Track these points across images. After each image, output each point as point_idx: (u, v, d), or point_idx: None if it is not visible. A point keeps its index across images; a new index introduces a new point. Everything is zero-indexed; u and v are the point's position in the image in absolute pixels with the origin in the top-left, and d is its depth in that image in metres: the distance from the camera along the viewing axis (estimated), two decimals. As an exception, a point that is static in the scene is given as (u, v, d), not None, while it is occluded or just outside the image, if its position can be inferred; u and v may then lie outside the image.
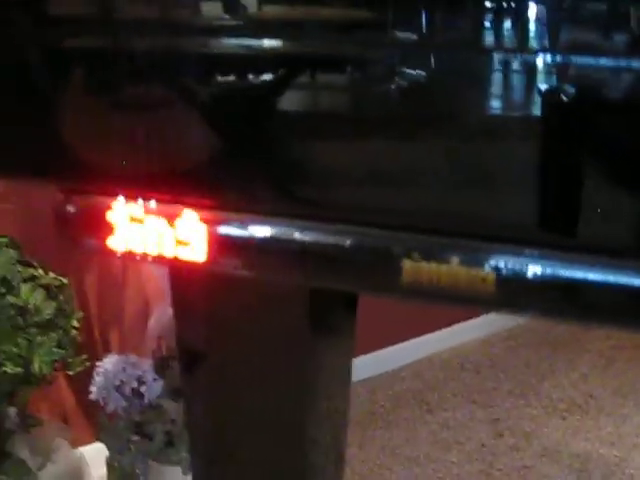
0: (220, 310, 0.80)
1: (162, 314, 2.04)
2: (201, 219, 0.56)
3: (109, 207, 0.56)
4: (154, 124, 0.60)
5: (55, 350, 1.75)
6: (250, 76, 0.59)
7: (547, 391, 2.76)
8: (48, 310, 1.74)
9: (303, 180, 0.56)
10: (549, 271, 0.48)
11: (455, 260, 0.49)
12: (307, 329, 0.77)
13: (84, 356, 1.88)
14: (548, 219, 0.48)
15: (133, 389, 1.87)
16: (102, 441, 1.91)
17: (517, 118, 0.54)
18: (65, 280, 1.83)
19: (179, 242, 0.57)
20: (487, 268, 0.48)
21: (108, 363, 1.89)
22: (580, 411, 2.64)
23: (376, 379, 2.78)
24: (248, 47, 0.60)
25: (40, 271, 1.79)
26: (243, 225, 0.54)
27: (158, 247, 0.58)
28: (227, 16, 0.61)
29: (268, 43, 0.60)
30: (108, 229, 0.56)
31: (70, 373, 1.84)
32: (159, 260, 0.58)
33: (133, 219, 0.56)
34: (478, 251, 0.49)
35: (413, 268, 0.49)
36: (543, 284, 0.47)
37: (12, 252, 1.73)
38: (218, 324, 0.83)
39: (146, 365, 1.91)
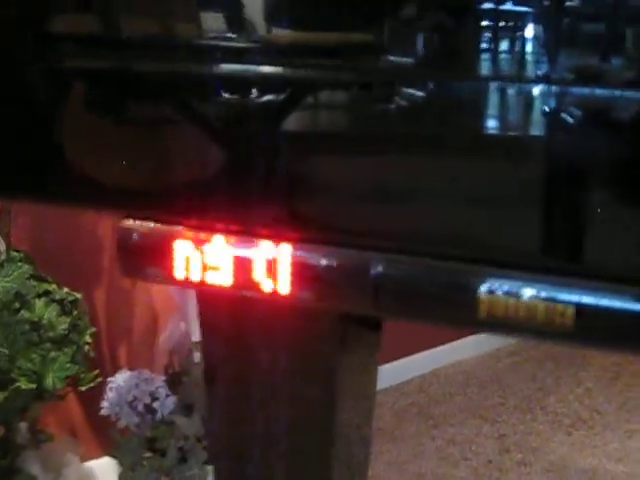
0: (248, 326, 0.79)
1: (174, 330, 2.03)
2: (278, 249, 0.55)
3: (176, 236, 0.56)
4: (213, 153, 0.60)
5: (69, 365, 1.74)
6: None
7: (553, 406, 2.76)
8: (62, 325, 1.74)
9: (374, 212, 0.56)
10: (629, 306, 0.48)
11: (532, 294, 0.49)
12: (336, 346, 0.77)
13: (96, 372, 1.88)
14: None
15: (146, 405, 1.86)
16: (115, 457, 1.90)
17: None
18: (79, 295, 1.82)
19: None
20: (566, 302, 0.48)
21: (120, 379, 1.89)
22: (586, 426, 2.64)
23: (381, 394, 2.76)
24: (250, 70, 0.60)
25: (54, 286, 1.79)
26: (319, 255, 0.54)
27: (219, 275, 0.57)
28: (225, 38, 0.61)
29: (269, 66, 0.60)
30: (173, 258, 0.56)
31: (82, 389, 1.83)
32: (222, 288, 0.58)
33: (197, 247, 0.56)
34: (557, 285, 0.49)
35: (490, 302, 0.49)
36: (622, 318, 0.47)
37: (26, 267, 1.72)
38: (246, 341, 0.82)
39: (158, 381, 1.90)
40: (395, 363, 2.83)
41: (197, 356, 1.99)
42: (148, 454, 1.87)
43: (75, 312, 1.79)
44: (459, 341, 3.07)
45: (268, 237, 0.56)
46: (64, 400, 1.91)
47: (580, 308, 0.48)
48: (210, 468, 1.87)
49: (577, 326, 0.48)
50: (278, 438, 0.90)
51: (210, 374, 0.87)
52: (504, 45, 0.53)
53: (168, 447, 1.85)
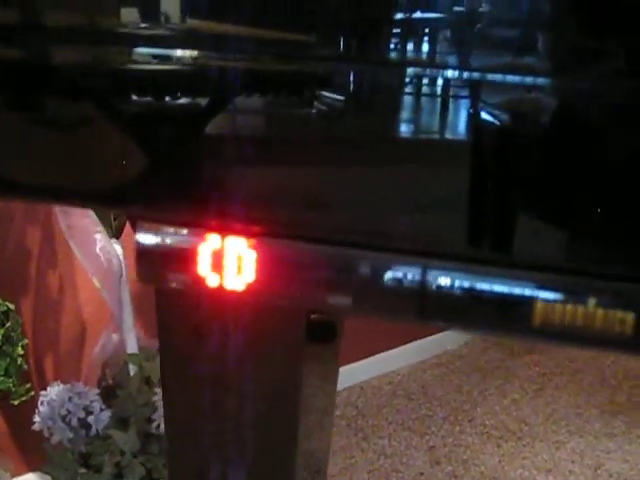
0: (211, 325, 0.77)
1: (107, 341, 1.98)
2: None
3: (200, 240, 0.53)
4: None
5: (2, 379, 1.68)
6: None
7: (481, 418, 2.77)
8: (-5, 337, 1.68)
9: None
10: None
11: (591, 301, 0.47)
12: (301, 347, 0.76)
13: (28, 385, 1.81)
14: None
15: (80, 419, 1.80)
16: (47, 473, 1.83)
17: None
18: (12, 306, 1.76)
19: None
20: (626, 309, 0.47)
21: (53, 392, 1.82)
22: (514, 437, 2.66)
23: (309, 407, 2.76)
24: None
25: (-15, 296, 1.72)
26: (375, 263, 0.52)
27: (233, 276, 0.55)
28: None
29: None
30: (196, 262, 0.53)
31: (15, 403, 1.76)
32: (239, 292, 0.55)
33: (216, 251, 0.53)
34: (616, 291, 0.47)
35: (545, 309, 0.48)
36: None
37: (-43, 276, 1.66)
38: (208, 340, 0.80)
39: (92, 394, 1.84)
40: (323, 375, 2.80)
41: (132, 369, 1.94)
42: (83, 470, 1.81)
43: (8, 323, 1.73)
44: (385, 353, 3.08)
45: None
46: (-5, 415, 1.84)
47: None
48: (147, 484, 1.82)
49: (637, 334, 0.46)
50: (241, 437, 0.88)
51: (169, 376, 0.84)
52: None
53: (103, 463, 1.80)
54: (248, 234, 0.53)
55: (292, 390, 0.81)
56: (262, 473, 0.89)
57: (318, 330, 0.79)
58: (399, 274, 0.51)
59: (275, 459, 0.88)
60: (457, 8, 0.51)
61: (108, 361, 1.97)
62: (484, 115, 0.51)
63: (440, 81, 0.52)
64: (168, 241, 0.54)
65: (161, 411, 1.71)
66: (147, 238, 0.54)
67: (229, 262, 0.53)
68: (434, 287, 0.50)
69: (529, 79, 0.50)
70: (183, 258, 0.54)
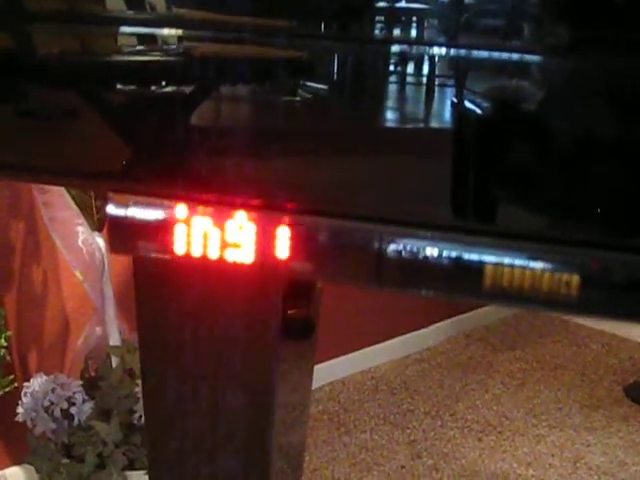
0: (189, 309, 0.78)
1: (90, 334, 1.99)
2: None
3: (169, 211, 0.55)
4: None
5: (-15, 370, 1.69)
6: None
7: (462, 412, 2.80)
8: (-22, 329, 1.69)
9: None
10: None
11: (538, 264, 0.50)
12: (276, 337, 0.77)
13: (11, 377, 1.83)
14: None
15: (62, 410, 1.82)
16: (31, 464, 1.85)
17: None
18: (-5, 298, 1.78)
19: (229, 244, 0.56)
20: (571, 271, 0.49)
21: (36, 384, 1.84)
22: (495, 432, 2.68)
23: (291, 401, 2.77)
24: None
25: (-32, 288, 1.74)
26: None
27: (205, 248, 0.57)
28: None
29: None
30: (166, 232, 0.55)
31: (-3, 394, 1.78)
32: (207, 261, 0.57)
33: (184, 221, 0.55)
34: (562, 255, 0.50)
35: (494, 273, 0.50)
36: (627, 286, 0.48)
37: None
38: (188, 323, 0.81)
39: (75, 386, 1.86)
40: (305, 370, 2.82)
41: (115, 361, 1.96)
42: (65, 460, 1.82)
43: (-9, 315, 1.74)
44: (368, 348, 3.10)
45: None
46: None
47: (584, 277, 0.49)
48: (129, 474, 1.84)
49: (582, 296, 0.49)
50: (218, 429, 0.90)
51: (147, 360, 0.86)
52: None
53: (86, 453, 1.81)
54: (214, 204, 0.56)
55: (267, 383, 0.82)
56: (239, 465, 0.90)
57: (295, 326, 0.81)
58: (358, 241, 0.53)
59: (251, 451, 0.89)
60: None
61: (91, 353, 1.99)
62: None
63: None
64: (136, 212, 0.56)
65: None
66: (117, 210, 0.56)
67: (194, 231, 0.55)
68: (391, 253, 0.52)
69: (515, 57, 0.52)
70: (151, 228, 0.56)
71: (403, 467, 2.48)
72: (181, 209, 0.55)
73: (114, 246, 0.57)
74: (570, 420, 2.76)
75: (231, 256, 0.57)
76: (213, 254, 0.57)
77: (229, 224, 0.57)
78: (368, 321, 3.04)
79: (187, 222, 0.56)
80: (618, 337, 3.39)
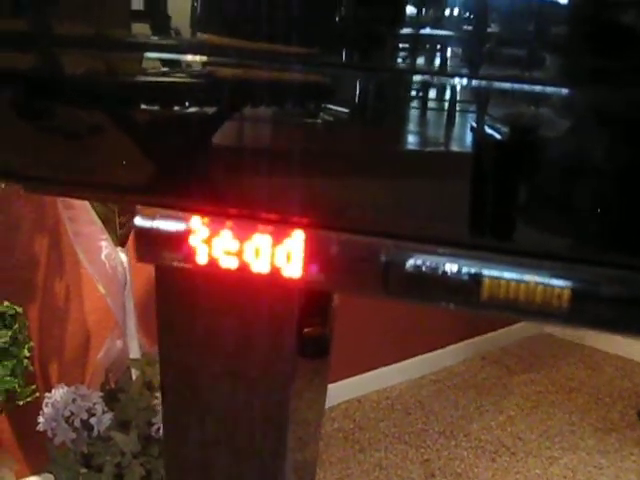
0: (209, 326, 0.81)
1: (111, 347, 2.04)
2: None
3: (192, 224, 0.59)
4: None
5: (8, 379, 1.74)
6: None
7: (476, 433, 2.82)
8: (3, 339, 1.73)
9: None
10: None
11: (532, 278, 0.53)
12: (293, 354, 0.80)
13: (33, 386, 1.87)
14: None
15: (82, 421, 1.86)
16: (51, 472, 1.89)
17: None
18: (19, 309, 1.82)
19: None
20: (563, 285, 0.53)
21: (57, 394, 1.88)
22: (509, 453, 2.70)
23: (307, 419, 2.80)
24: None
25: (-6, 299, 1.79)
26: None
27: (221, 259, 0.60)
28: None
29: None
30: (188, 243, 0.59)
31: (19, 403, 1.82)
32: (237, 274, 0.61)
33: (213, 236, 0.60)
34: (554, 269, 0.53)
35: (491, 285, 0.54)
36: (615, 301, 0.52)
37: (-33, 279, 1.72)
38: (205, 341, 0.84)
39: (95, 397, 1.90)
40: (322, 389, 2.85)
41: (134, 373, 2.00)
42: (84, 470, 1.86)
43: (15, 326, 1.79)
44: (384, 368, 3.12)
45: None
46: (1, 414, 1.89)
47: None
48: (146, 485, 1.88)
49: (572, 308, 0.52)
50: (233, 447, 0.92)
51: (167, 372, 0.88)
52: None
53: (104, 463, 1.85)
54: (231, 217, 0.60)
55: (282, 402, 0.85)
56: (254, 479, 0.93)
57: (310, 345, 0.84)
58: (367, 255, 0.57)
59: (266, 466, 0.91)
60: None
61: (111, 366, 2.03)
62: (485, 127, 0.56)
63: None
64: (162, 224, 0.60)
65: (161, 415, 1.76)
66: (144, 222, 0.61)
67: (216, 242, 0.59)
68: (398, 266, 0.56)
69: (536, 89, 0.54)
70: (175, 238, 0.60)
71: (416, 486, 2.51)
72: (199, 221, 0.59)
73: (140, 255, 0.61)
74: (583, 443, 2.78)
75: (248, 266, 0.61)
76: (231, 264, 0.61)
77: (248, 237, 0.60)
78: (385, 341, 3.08)
79: (207, 234, 0.60)
80: (633, 361, 3.41)
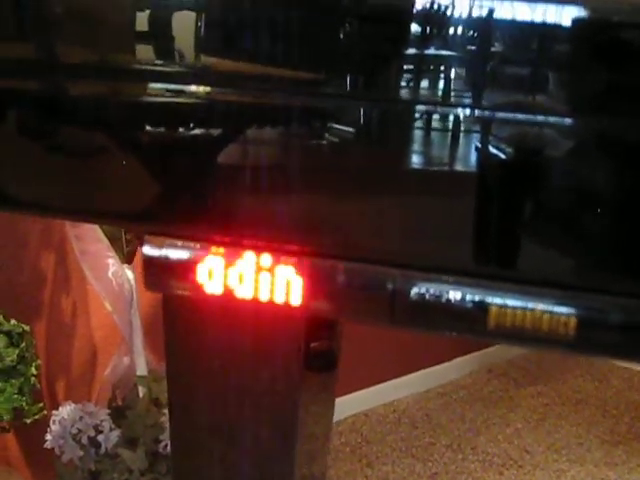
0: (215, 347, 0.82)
1: (117, 364, 2.04)
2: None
3: (203, 254, 0.60)
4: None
5: (16, 397, 1.74)
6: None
7: (483, 446, 2.82)
8: (10, 357, 1.74)
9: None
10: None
11: (539, 307, 0.54)
12: (300, 370, 0.80)
13: (41, 404, 1.88)
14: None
15: (90, 438, 1.86)
16: (58, 490, 1.89)
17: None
18: (27, 327, 1.83)
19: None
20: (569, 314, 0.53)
21: (64, 412, 1.88)
22: (516, 466, 2.70)
23: (314, 433, 2.80)
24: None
25: (1, 317, 1.79)
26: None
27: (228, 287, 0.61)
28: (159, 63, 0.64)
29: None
30: (198, 274, 0.60)
31: (27, 421, 1.83)
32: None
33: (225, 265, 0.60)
34: (560, 298, 0.54)
35: (498, 314, 0.54)
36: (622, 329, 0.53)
37: (-26, 298, 1.73)
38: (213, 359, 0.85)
39: (103, 414, 1.90)
40: (328, 403, 2.85)
41: (141, 390, 2.00)
42: (92, 487, 1.87)
43: (23, 344, 1.79)
44: (390, 382, 3.13)
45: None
46: (8, 432, 1.90)
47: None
48: (154, 502, 1.88)
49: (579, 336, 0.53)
50: (241, 460, 0.93)
51: (175, 392, 0.89)
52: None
53: (112, 480, 1.86)
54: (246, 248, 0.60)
55: (290, 417, 0.85)
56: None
57: (318, 359, 0.84)
58: (374, 283, 0.57)
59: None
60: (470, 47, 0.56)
61: (118, 383, 2.03)
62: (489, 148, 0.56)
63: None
64: (170, 253, 0.61)
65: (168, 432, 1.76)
66: (152, 251, 0.61)
67: (227, 272, 0.60)
68: (404, 295, 0.56)
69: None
70: (183, 268, 0.61)
71: (424, 500, 2.51)
72: (205, 250, 0.60)
73: (148, 284, 0.62)
74: (590, 455, 2.78)
75: (255, 296, 0.62)
76: (238, 293, 0.62)
77: (250, 265, 0.61)
78: (391, 355, 3.08)
79: (217, 263, 0.60)
80: (640, 373, 3.41)
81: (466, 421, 2.98)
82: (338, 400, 2.96)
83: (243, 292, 0.60)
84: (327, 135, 0.60)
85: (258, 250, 0.61)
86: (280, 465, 0.89)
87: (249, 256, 0.61)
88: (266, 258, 0.60)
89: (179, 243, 0.61)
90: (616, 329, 0.54)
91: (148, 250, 0.61)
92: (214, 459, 0.91)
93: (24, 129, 0.70)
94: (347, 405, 2.96)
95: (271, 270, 0.61)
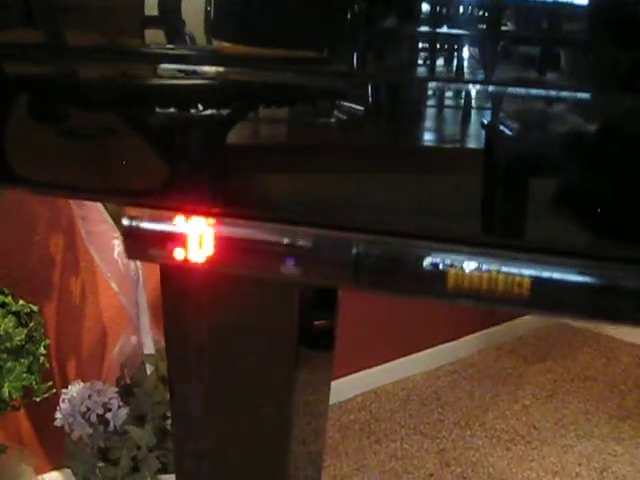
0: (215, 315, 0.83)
1: (125, 343, 2.07)
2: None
3: (173, 222, 0.62)
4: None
5: (25, 375, 1.78)
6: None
7: (491, 422, 2.84)
8: (19, 337, 1.77)
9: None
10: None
11: (494, 268, 0.56)
12: (296, 347, 0.82)
13: (50, 383, 1.91)
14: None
15: (99, 416, 1.90)
16: (69, 467, 1.93)
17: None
18: (35, 307, 1.86)
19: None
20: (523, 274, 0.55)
21: (73, 390, 1.92)
22: (524, 441, 2.72)
23: (324, 411, 2.83)
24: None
25: (10, 298, 1.82)
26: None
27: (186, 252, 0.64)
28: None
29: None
30: (173, 241, 0.62)
31: (37, 400, 1.86)
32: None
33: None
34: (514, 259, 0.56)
35: (456, 276, 0.56)
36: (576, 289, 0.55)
37: (-17, 279, 1.76)
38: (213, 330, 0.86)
39: (111, 392, 1.94)
40: (337, 382, 2.88)
41: (149, 368, 2.03)
42: (101, 464, 1.90)
43: (31, 324, 1.83)
44: (399, 360, 3.15)
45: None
46: (19, 411, 1.94)
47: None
48: (162, 477, 1.92)
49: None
50: (239, 436, 0.95)
51: (173, 366, 0.90)
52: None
53: (121, 457, 1.89)
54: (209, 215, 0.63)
55: (287, 394, 0.87)
56: (259, 472, 0.95)
57: (314, 336, 0.86)
58: (338, 248, 0.60)
59: (272, 459, 0.93)
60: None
61: (126, 362, 2.07)
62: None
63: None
64: (148, 224, 0.64)
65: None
66: (132, 222, 0.64)
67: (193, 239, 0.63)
68: (367, 258, 0.59)
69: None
70: (159, 237, 0.63)
71: (432, 475, 2.53)
72: (181, 221, 0.62)
73: (129, 252, 0.65)
74: (598, 430, 2.80)
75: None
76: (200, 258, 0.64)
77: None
78: (400, 333, 3.10)
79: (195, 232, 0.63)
80: (648, 350, 3.43)
81: (475, 398, 3.00)
82: (347, 378, 2.98)
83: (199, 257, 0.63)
84: (337, 109, 0.61)
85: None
86: (277, 442, 0.91)
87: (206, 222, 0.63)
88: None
89: (155, 214, 0.63)
90: (570, 289, 0.56)
91: (126, 221, 0.64)
92: (212, 434, 0.93)
93: (36, 112, 0.71)
94: (356, 383, 2.99)
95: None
